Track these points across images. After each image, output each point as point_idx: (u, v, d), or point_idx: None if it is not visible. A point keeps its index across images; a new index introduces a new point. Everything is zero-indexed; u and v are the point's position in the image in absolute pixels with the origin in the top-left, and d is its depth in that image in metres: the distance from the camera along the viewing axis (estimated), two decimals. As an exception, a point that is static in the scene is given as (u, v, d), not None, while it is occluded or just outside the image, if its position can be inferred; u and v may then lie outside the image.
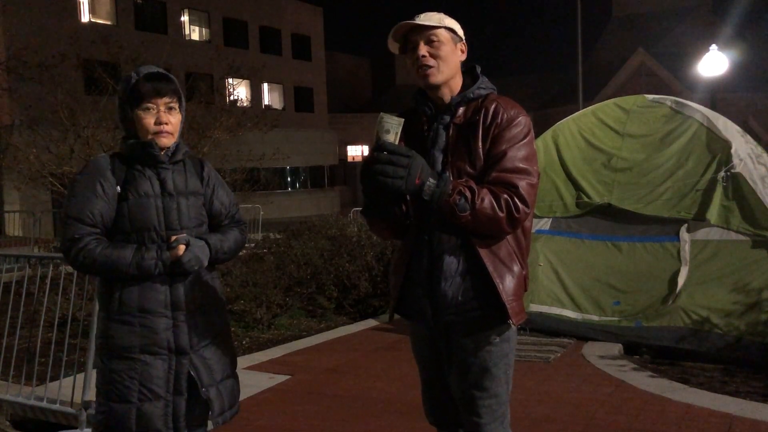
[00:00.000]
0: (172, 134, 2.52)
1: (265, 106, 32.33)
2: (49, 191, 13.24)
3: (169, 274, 2.46)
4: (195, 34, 31.20)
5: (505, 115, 2.30)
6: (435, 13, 2.37)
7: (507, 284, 2.27)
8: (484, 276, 2.26)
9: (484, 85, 2.40)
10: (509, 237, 2.31)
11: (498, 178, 2.24)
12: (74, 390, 4.27)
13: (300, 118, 35.56)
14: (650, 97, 6.90)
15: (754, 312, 5.32)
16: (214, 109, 12.57)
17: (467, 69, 2.44)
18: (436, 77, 2.33)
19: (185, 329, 2.48)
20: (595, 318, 6.02)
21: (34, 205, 17.95)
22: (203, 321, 2.54)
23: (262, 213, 16.86)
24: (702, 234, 5.83)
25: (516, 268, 2.31)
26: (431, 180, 2.16)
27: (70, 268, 5.48)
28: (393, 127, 2.15)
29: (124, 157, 2.52)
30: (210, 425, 2.66)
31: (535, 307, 6.14)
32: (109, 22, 26.46)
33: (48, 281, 5.24)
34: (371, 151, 2.17)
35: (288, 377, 5.15)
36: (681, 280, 5.70)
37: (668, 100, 6.73)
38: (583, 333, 5.96)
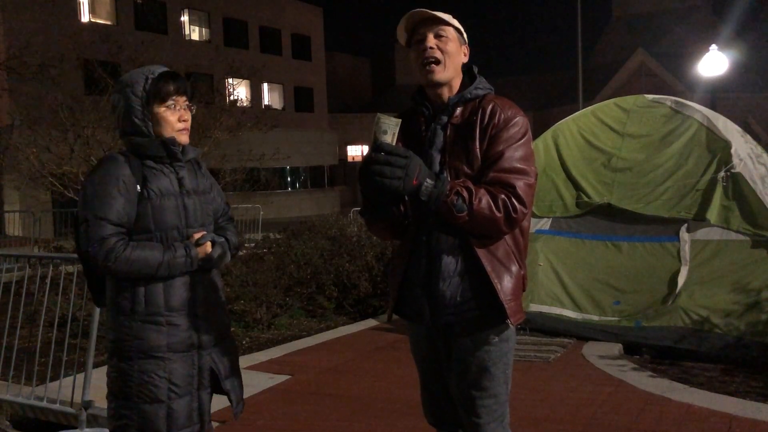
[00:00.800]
0: (188, 132, 2.55)
1: (265, 106, 32.33)
2: (49, 191, 13.23)
3: (189, 272, 2.47)
4: (195, 34, 31.20)
5: (503, 116, 2.31)
6: (444, 13, 2.39)
7: (505, 284, 2.28)
8: (482, 276, 2.27)
9: (482, 86, 2.40)
10: (507, 237, 2.31)
11: (495, 179, 2.24)
12: (74, 390, 4.27)
13: (300, 118, 35.56)
14: (650, 97, 6.90)
15: (754, 312, 5.32)
16: (214, 109, 12.57)
17: (465, 69, 2.45)
18: (441, 74, 2.34)
19: (205, 325, 2.51)
20: (595, 318, 6.02)
21: (34, 205, 17.95)
22: (216, 316, 2.57)
23: (262, 213, 16.86)
24: (702, 234, 5.83)
25: (514, 268, 2.31)
26: (429, 180, 2.16)
27: (70, 268, 5.50)
28: (390, 128, 2.15)
29: (136, 155, 2.49)
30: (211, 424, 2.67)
31: (535, 307, 6.14)
32: (109, 22, 26.47)
33: (48, 281, 5.24)
34: (369, 152, 2.17)
35: (288, 377, 5.15)
36: (681, 280, 5.70)
37: (668, 100, 6.73)
38: (583, 333, 5.96)
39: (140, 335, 2.41)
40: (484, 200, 2.18)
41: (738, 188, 5.76)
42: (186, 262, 2.43)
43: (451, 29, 2.36)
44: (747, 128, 13.81)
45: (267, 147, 14.82)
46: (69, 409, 4.24)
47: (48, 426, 4.38)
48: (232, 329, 4.89)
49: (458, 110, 2.37)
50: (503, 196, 2.20)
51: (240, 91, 18.39)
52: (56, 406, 4.31)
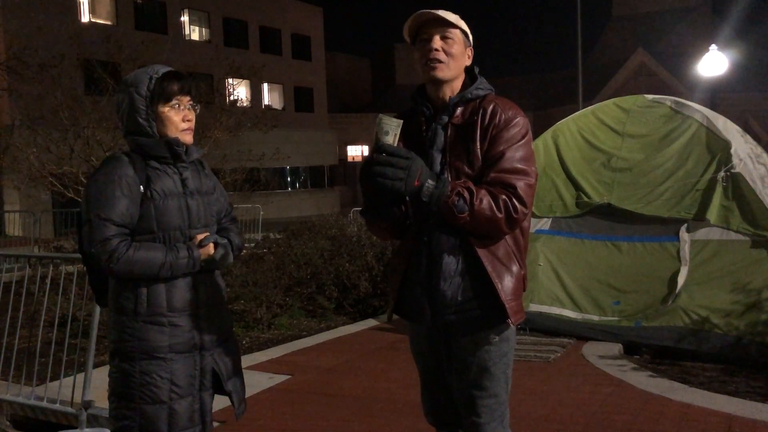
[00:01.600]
0: (192, 132, 2.56)
1: (265, 106, 32.31)
2: (49, 191, 13.23)
3: (191, 273, 2.47)
4: (195, 34, 31.20)
5: (503, 116, 2.31)
6: (452, 13, 2.38)
7: (506, 284, 2.28)
8: (482, 276, 2.27)
9: (483, 86, 2.41)
10: (508, 237, 2.31)
11: (496, 179, 2.24)
12: (74, 390, 4.27)
13: (300, 118, 35.56)
14: (650, 97, 6.90)
15: (754, 312, 5.32)
16: (214, 109, 12.57)
17: (466, 70, 2.44)
18: (444, 72, 2.34)
19: (207, 326, 2.51)
20: (595, 318, 6.02)
21: (34, 205, 17.95)
22: (218, 317, 2.57)
23: (262, 213, 16.85)
24: (702, 234, 5.83)
25: (515, 267, 2.32)
26: (430, 181, 2.16)
27: (70, 268, 5.49)
28: (392, 129, 2.15)
29: (139, 155, 2.48)
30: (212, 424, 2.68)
31: (535, 307, 6.14)
32: (109, 22, 26.46)
33: (48, 281, 5.23)
34: (370, 152, 2.17)
35: (288, 377, 5.15)
36: (681, 280, 5.70)
37: (668, 100, 6.73)
38: (583, 333, 5.96)
39: (142, 336, 2.41)
40: (485, 201, 2.18)
41: (738, 188, 5.76)
42: (188, 264, 2.43)
43: (457, 31, 2.36)
44: (747, 128, 13.81)
45: (267, 147, 14.81)
46: (69, 409, 4.24)
47: (48, 426, 4.38)
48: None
49: (459, 110, 2.37)
50: (504, 196, 2.20)
51: (240, 91, 18.38)
52: (56, 406, 4.31)
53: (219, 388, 2.59)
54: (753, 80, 30.47)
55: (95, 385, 4.21)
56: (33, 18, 20.35)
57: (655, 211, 6.03)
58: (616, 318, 5.91)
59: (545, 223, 6.59)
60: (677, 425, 3.95)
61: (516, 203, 2.21)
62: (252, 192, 15.32)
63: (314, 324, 7.42)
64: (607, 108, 6.96)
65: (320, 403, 4.56)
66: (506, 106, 2.34)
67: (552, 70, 46.02)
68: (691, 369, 5.28)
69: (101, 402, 4.09)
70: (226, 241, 2.56)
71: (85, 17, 25.95)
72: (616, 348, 5.68)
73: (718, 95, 19.03)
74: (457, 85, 2.40)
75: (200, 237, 2.48)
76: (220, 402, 2.70)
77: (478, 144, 2.31)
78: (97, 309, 4.32)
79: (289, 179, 34.37)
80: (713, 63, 18.02)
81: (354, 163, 40.63)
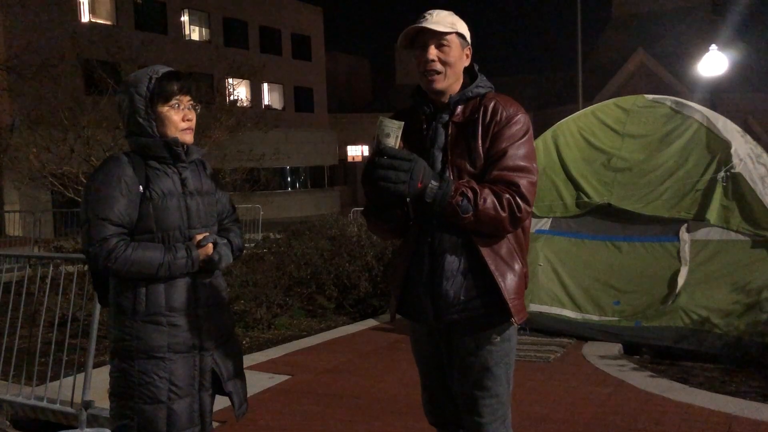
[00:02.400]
0: (193, 131, 2.56)
1: (265, 106, 32.33)
2: (49, 191, 13.25)
3: (191, 273, 2.47)
4: (195, 34, 31.18)
5: (504, 113, 2.30)
6: (445, 11, 2.37)
7: (509, 282, 2.28)
8: (485, 274, 2.27)
9: (483, 84, 2.40)
10: (510, 235, 2.31)
11: (499, 177, 2.24)
12: (74, 390, 4.26)
13: (300, 118, 35.55)
14: (650, 97, 6.90)
15: (754, 312, 5.32)
16: (214, 109, 12.58)
17: (465, 68, 2.43)
18: (441, 83, 2.33)
19: (207, 326, 2.51)
20: (595, 318, 6.02)
21: (34, 205, 17.95)
22: (219, 317, 2.57)
23: (262, 213, 16.86)
24: (702, 234, 5.83)
25: (517, 266, 2.32)
26: (433, 182, 2.16)
27: (70, 268, 5.49)
28: (393, 131, 2.14)
29: (138, 155, 2.49)
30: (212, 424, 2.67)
31: (535, 307, 6.13)
32: (109, 22, 26.44)
33: (48, 281, 5.23)
34: (372, 156, 2.16)
35: (288, 377, 5.15)
36: (681, 280, 5.70)
37: (668, 100, 6.73)
38: (582, 333, 5.96)
39: (141, 335, 2.41)
40: (489, 200, 2.18)
41: (738, 188, 5.76)
42: (187, 264, 2.43)
43: (452, 36, 2.33)
44: (747, 128, 13.81)
45: (267, 147, 14.84)
46: (69, 409, 4.24)
47: (48, 426, 4.38)
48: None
49: (459, 108, 2.37)
50: (507, 195, 2.20)
51: (240, 91, 18.38)
52: (56, 406, 4.30)
53: (219, 389, 2.58)
54: (753, 80, 30.45)
55: (95, 385, 4.21)
56: (33, 18, 20.37)
57: (655, 211, 6.03)
58: (616, 318, 5.91)
59: (545, 223, 6.59)
60: (677, 425, 3.95)
61: (519, 201, 2.21)
62: (252, 192, 15.33)
63: (314, 324, 7.42)
64: (607, 108, 6.96)
65: (320, 403, 4.56)
66: (507, 103, 2.34)
67: (552, 70, 45.99)
68: (691, 369, 5.28)
69: (101, 402, 4.09)
70: (225, 241, 2.56)
71: (85, 17, 25.93)
72: (616, 348, 5.68)
73: (718, 95, 19.02)
74: (456, 85, 2.39)
75: (199, 237, 2.48)
76: (220, 402, 2.70)
77: (479, 142, 2.30)
78: (97, 309, 4.32)
79: (289, 179, 34.35)
80: (713, 63, 18.02)
81: (354, 163, 40.62)
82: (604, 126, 6.77)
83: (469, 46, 2.41)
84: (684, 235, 5.86)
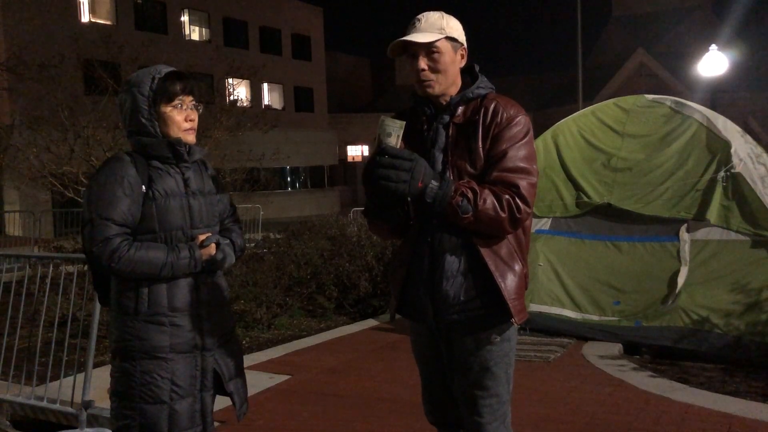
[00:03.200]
0: (195, 132, 2.56)
1: (265, 106, 32.32)
2: (49, 191, 13.24)
3: (193, 273, 2.47)
4: (195, 34, 31.18)
5: (505, 114, 2.30)
6: (435, 13, 2.35)
7: (509, 283, 2.28)
8: (485, 275, 2.27)
9: (483, 85, 2.40)
10: (510, 236, 2.31)
11: (499, 178, 2.24)
12: (74, 390, 4.27)
13: (300, 118, 35.55)
14: (650, 97, 6.90)
15: (754, 312, 5.32)
16: (214, 109, 12.58)
17: (466, 68, 2.43)
18: (435, 89, 2.33)
19: (208, 326, 2.51)
20: (595, 318, 6.02)
21: (34, 205, 17.96)
22: (220, 317, 2.57)
23: (262, 213, 16.86)
24: (702, 234, 5.83)
25: (517, 266, 2.32)
26: (434, 182, 2.16)
27: (70, 268, 5.49)
28: (395, 131, 2.15)
29: (141, 155, 2.48)
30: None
31: (535, 307, 6.13)
32: (109, 22, 26.44)
33: (48, 281, 5.23)
34: (373, 155, 2.16)
35: (288, 377, 5.15)
36: (681, 280, 5.70)
37: (668, 100, 6.73)
38: (583, 333, 5.96)
39: (143, 335, 2.40)
40: (488, 201, 2.18)
41: (738, 188, 5.76)
42: (190, 264, 2.43)
43: (443, 42, 2.30)
44: (747, 128, 13.81)
45: (267, 147, 14.83)
46: (69, 409, 4.24)
47: (48, 426, 4.38)
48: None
49: (460, 109, 2.37)
50: (507, 196, 2.20)
51: (240, 91, 18.39)
52: (56, 406, 4.31)
53: (220, 389, 2.58)
54: (753, 80, 30.45)
55: (95, 385, 4.21)
56: (33, 18, 20.35)
57: (655, 211, 6.03)
58: (616, 318, 5.91)
59: (545, 223, 6.59)
60: (677, 425, 3.95)
61: (519, 202, 2.21)
62: (252, 192, 15.33)
63: (314, 324, 7.42)
64: (607, 108, 6.96)
65: (320, 403, 4.56)
66: (508, 104, 2.34)
67: (552, 70, 46.02)
68: (691, 369, 5.28)
69: (101, 402, 4.09)
70: (228, 241, 2.56)
71: (85, 17, 25.94)
72: (616, 348, 5.68)
73: (718, 95, 19.02)
74: (455, 87, 2.38)
75: (202, 237, 2.48)
76: (220, 402, 2.70)
77: (480, 143, 2.30)
78: (97, 309, 4.32)
79: (289, 179, 34.36)
80: (713, 63, 18.01)
81: (354, 163, 40.61)
82: (604, 126, 6.77)
83: (463, 47, 2.38)
84: (684, 235, 5.86)
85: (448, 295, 2.29)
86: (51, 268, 5.08)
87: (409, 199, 2.27)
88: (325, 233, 8.73)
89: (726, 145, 5.98)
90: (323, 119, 38.13)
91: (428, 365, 2.51)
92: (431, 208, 2.19)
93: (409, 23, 2.36)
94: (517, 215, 2.21)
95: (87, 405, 4.12)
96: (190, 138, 2.53)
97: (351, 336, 6.61)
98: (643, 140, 6.50)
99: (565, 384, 4.80)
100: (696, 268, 5.73)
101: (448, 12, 2.38)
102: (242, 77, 16.15)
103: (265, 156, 13.74)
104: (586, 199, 6.41)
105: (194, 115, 2.54)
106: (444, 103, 2.37)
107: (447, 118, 2.37)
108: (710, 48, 18.09)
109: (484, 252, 2.27)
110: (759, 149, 6.40)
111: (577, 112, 7.35)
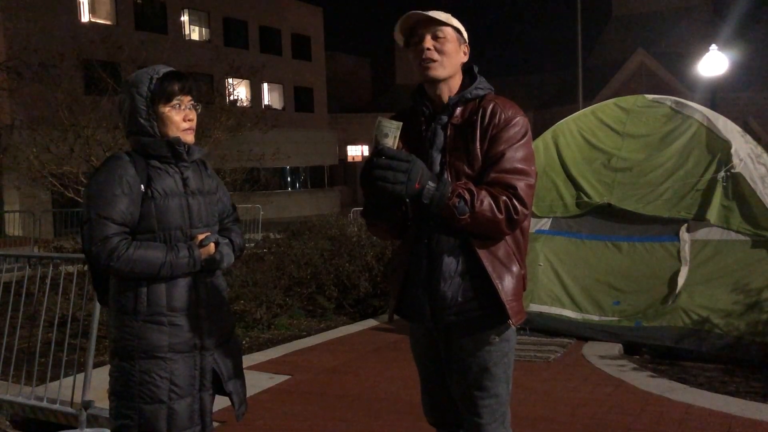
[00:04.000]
0: (194, 131, 2.56)
1: (265, 106, 32.33)
2: (49, 191, 13.22)
3: (191, 273, 2.47)
4: (195, 34, 31.18)
5: (503, 116, 2.30)
6: (442, 12, 2.38)
7: (506, 284, 2.28)
8: (483, 276, 2.27)
9: (482, 86, 2.40)
10: (508, 237, 2.31)
11: (497, 179, 2.24)
12: (74, 390, 4.27)
13: (300, 118, 35.55)
14: (650, 97, 6.91)
15: (754, 312, 5.32)
16: (214, 109, 12.56)
17: (465, 69, 2.44)
18: (438, 71, 2.33)
19: (207, 326, 2.51)
20: (595, 318, 6.02)
21: (34, 205, 17.95)
22: (219, 317, 2.57)
23: (262, 213, 16.86)
24: (702, 234, 5.83)
25: (515, 268, 2.31)
26: (431, 183, 2.16)
27: (70, 268, 5.49)
28: (392, 132, 2.15)
29: (141, 155, 2.49)
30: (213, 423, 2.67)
31: (535, 307, 6.13)
32: (109, 22, 26.45)
33: (48, 281, 5.23)
34: (370, 156, 2.16)
35: (288, 377, 5.15)
36: (681, 280, 5.70)
37: (668, 100, 6.73)
38: (583, 333, 5.96)
39: (142, 335, 2.41)
40: (485, 202, 2.18)
41: (738, 188, 5.76)
42: (189, 263, 2.43)
43: (449, 29, 2.35)
44: (747, 128, 13.80)
45: (267, 147, 14.82)
46: (69, 409, 4.24)
47: (48, 426, 4.38)
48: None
49: (458, 110, 2.37)
50: (504, 197, 2.20)
51: (240, 91, 18.40)
52: (56, 406, 4.31)
53: (220, 389, 2.58)
54: (753, 80, 30.45)
55: (95, 385, 4.21)
56: (33, 18, 20.36)
57: (655, 211, 6.03)
58: (616, 318, 5.91)
59: (545, 223, 6.59)
60: (677, 425, 3.95)
61: (516, 204, 2.20)
62: (252, 192, 15.33)
63: (314, 324, 7.42)
64: (607, 108, 6.96)
65: (320, 403, 4.56)
66: (506, 105, 2.34)
67: (552, 70, 45.98)
68: (691, 369, 5.28)
69: (101, 402, 4.09)
70: (227, 241, 2.57)
71: (85, 17, 25.94)
72: (616, 348, 5.68)
73: (718, 95, 19.00)
74: (455, 84, 2.39)
75: (201, 237, 2.48)
76: (220, 402, 2.70)
77: (478, 144, 2.30)
78: (97, 309, 4.32)
79: (289, 179, 34.36)
80: (713, 63, 18.00)
81: (354, 163, 40.61)
82: (604, 126, 6.78)
83: (466, 44, 2.42)
84: (684, 235, 5.86)
85: (446, 296, 2.29)
86: (51, 268, 5.08)
87: (407, 200, 2.27)
88: (325, 233, 8.74)
89: (726, 145, 5.99)
90: (323, 119, 38.13)
91: (427, 366, 2.51)
92: (428, 209, 2.19)
93: None
94: (515, 217, 2.21)
95: (87, 405, 4.12)
96: (189, 138, 2.53)
97: (351, 336, 6.61)
98: (643, 140, 6.50)
99: (565, 384, 4.80)
100: (696, 268, 5.73)
101: (449, 11, 2.42)
102: (242, 77, 16.16)
103: (265, 156, 13.73)
104: (586, 199, 6.41)
105: (193, 115, 2.54)
106: (444, 100, 2.38)
107: (445, 118, 2.38)
108: (710, 48, 18.08)
109: (482, 253, 2.27)
110: (759, 149, 6.41)
111: (577, 112, 7.36)
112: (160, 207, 2.43)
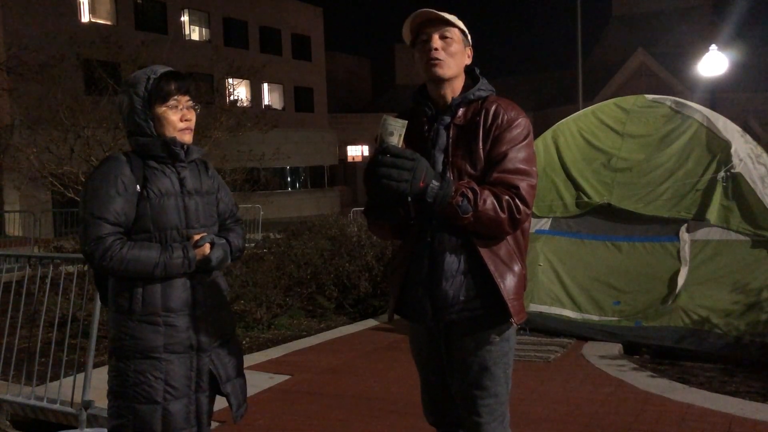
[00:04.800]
0: (192, 131, 2.55)
1: (265, 106, 32.34)
2: (49, 191, 13.23)
3: (188, 273, 2.46)
4: (195, 34, 31.19)
5: (506, 117, 2.32)
6: (450, 14, 2.40)
7: (508, 283, 2.28)
8: (485, 275, 2.27)
9: (484, 87, 2.42)
10: (509, 237, 2.32)
11: (499, 179, 2.25)
12: (74, 390, 4.27)
13: (300, 118, 35.56)
14: (650, 97, 6.91)
15: (754, 312, 5.32)
16: (214, 109, 12.56)
17: (467, 71, 2.46)
18: (444, 70, 2.34)
19: (204, 326, 2.50)
20: (595, 318, 6.02)
21: (34, 205, 17.94)
22: (217, 318, 2.56)
23: (262, 213, 16.86)
24: (702, 234, 5.83)
25: (516, 267, 2.32)
26: (435, 182, 2.16)
27: (70, 268, 5.49)
28: (397, 130, 2.15)
29: (139, 155, 2.50)
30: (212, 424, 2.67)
31: (535, 307, 6.14)
32: (109, 22, 26.45)
33: (48, 281, 5.23)
34: (375, 153, 2.16)
35: (288, 377, 5.15)
36: (681, 280, 5.70)
37: (668, 100, 6.73)
38: (583, 333, 5.96)
39: (137, 335, 2.41)
40: (488, 201, 2.19)
41: (738, 188, 5.76)
42: (183, 264, 2.42)
43: (456, 31, 2.37)
44: (747, 128, 13.81)
45: (267, 147, 14.83)
46: (69, 409, 4.24)
47: (48, 426, 4.38)
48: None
49: (461, 111, 2.38)
50: (507, 197, 2.21)
51: (240, 91, 18.38)
52: (56, 406, 4.31)
53: (219, 390, 2.58)
54: (753, 80, 30.46)
55: (95, 385, 4.21)
56: (33, 18, 20.36)
57: (655, 211, 6.03)
58: (616, 318, 5.91)
59: (545, 223, 6.59)
60: (677, 425, 3.95)
61: (519, 204, 2.22)
62: (252, 192, 15.32)
63: (314, 324, 7.42)
64: (607, 108, 6.96)
65: (320, 403, 4.56)
66: (508, 107, 2.35)
67: (552, 70, 46.00)
68: (691, 369, 5.28)
69: (101, 402, 4.08)
70: (224, 241, 2.55)
71: (85, 17, 25.95)
72: (616, 348, 5.68)
73: (718, 95, 19.01)
74: (458, 85, 2.41)
75: (197, 237, 2.48)
76: (220, 402, 2.70)
77: (480, 144, 2.32)
78: (97, 309, 4.32)
79: (289, 179, 34.35)
80: (713, 63, 18.00)
81: (354, 163, 40.62)
82: (604, 126, 6.78)
83: (471, 47, 2.44)
84: (684, 235, 5.86)
85: (448, 294, 2.29)
86: (51, 268, 5.08)
87: (409, 198, 2.27)
88: (325, 233, 8.74)
89: (726, 145, 5.99)
90: (323, 119, 38.13)
91: (427, 366, 2.51)
92: (431, 207, 2.20)
93: None
94: (517, 216, 2.22)
95: (87, 405, 4.13)
96: (187, 138, 2.53)
97: (351, 336, 6.61)
98: (643, 140, 6.50)
99: (565, 384, 4.80)
100: (696, 268, 5.74)
101: (450, 12, 2.44)
102: (242, 77, 16.13)
103: (265, 156, 13.73)
104: (586, 199, 6.41)
105: (190, 115, 2.54)
106: (447, 101, 2.39)
107: (448, 119, 2.38)
108: (710, 48, 18.08)
109: (484, 252, 2.27)
110: (759, 149, 6.41)
111: (577, 112, 7.36)
112: (155, 207, 2.43)
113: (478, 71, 2.45)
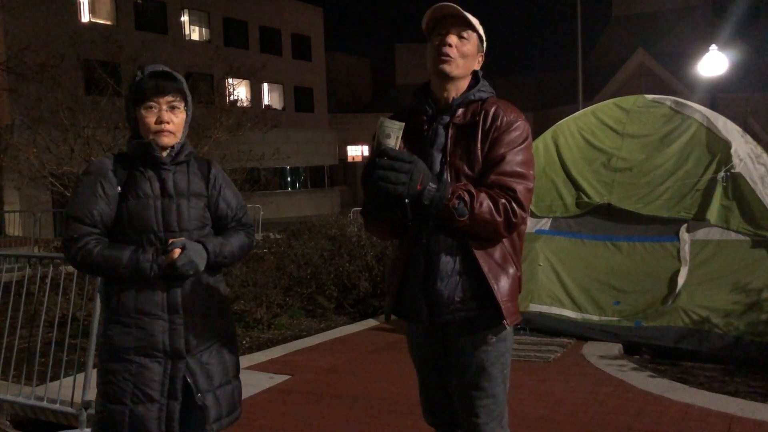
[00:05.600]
0: (173, 133, 2.48)
1: (265, 106, 32.31)
2: (49, 191, 13.22)
3: (165, 277, 2.42)
4: (195, 34, 31.19)
5: (505, 119, 2.32)
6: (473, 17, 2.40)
7: (502, 285, 2.28)
8: (479, 277, 2.27)
9: (485, 89, 2.42)
10: (505, 240, 2.32)
11: (496, 182, 2.25)
12: (74, 390, 4.27)
13: (300, 118, 35.55)
14: (650, 97, 6.91)
15: (754, 312, 5.33)
16: (214, 109, 12.55)
17: (471, 72, 2.45)
18: (452, 68, 2.34)
19: (182, 333, 2.45)
20: (595, 318, 6.02)
21: (34, 205, 17.95)
22: (203, 325, 2.51)
23: (262, 213, 16.86)
24: (702, 234, 5.83)
25: (511, 270, 2.32)
26: (431, 185, 2.16)
27: (70, 268, 5.48)
28: (394, 132, 2.15)
29: (128, 157, 2.50)
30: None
31: (535, 307, 6.13)
32: (109, 22, 26.44)
33: (48, 281, 5.23)
34: (372, 156, 2.16)
35: (288, 377, 5.15)
36: (681, 280, 5.70)
37: (668, 100, 6.74)
38: (583, 333, 5.96)
39: (109, 334, 2.44)
40: (485, 204, 2.19)
41: (738, 188, 5.76)
42: (151, 267, 2.38)
43: (473, 34, 2.38)
44: (747, 128, 13.81)
45: (267, 147, 14.80)
46: (69, 409, 4.24)
47: (48, 426, 4.38)
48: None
49: (460, 111, 2.38)
50: (504, 200, 2.21)
51: (240, 91, 18.37)
52: (56, 406, 4.31)
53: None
54: (753, 80, 30.45)
55: (95, 386, 4.20)
56: (33, 18, 20.35)
57: (655, 211, 6.03)
58: (616, 318, 5.91)
59: (545, 223, 6.59)
60: (677, 425, 3.95)
61: (515, 207, 2.22)
62: (252, 192, 15.31)
63: (314, 324, 7.42)
64: (607, 108, 6.96)
65: (320, 403, 4.56)
66: (508, 109, 2.35)
67: (552, 70, 45.99)
68: (691, 369, 5.28)
69: (101, 402, 4.09)
70: (199, 247, 2.45)
71: (85, 17, 25.94)
72: (616, 348, 5.68)
73: (718, 95, 19.00)
74: (463, 86, 2.40)
75: (171, 241, 2.43)
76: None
77: (479, 145, 2.31)
78: (97, 309, 4.31)
79: (289, 179, 34.35)
80: (713, 63, 18.00)
81: (354, 163, 40.62)
82: (604, 126, 6.78)
83: (483, 54, 2.45)
84: (684, 235, 5.86)
85: (442, 295, 2.29)
86: (51, 268, 5.08)
87: (406, 201, 2.27)
88: (325, 233, 8.74)
89: (726, 145, 5.99)
90: (323, 119, 38.12)
91: (425, 366, 2.51)
92: (428, 210, 2.20)
93: None
94: (513, 219, 2.22)
95: (87, 405, 4.12)
96: (166, 140, 2.47)
97: (351, 336, 6.61)
98: (643, 140, 6.50)
99: (565, 384, 4.80)
100: (696, 268, 5.74)
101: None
102: (242, 77, 16.13)
103: (265, 156, 13.70)
104: (586, 199, 6.41)
105: (170, 116, 2.47)
106: (449, 101, 2.38)
107: (447, 118, 2.38)
108: (710, 48, 18.08)
109: (478, 254, 2.27)
110: (759, 149, 6.41)
111: (577, 112, 7.36)
112: (132, 210, 2.44)
113: (480, 73, 2.45)
